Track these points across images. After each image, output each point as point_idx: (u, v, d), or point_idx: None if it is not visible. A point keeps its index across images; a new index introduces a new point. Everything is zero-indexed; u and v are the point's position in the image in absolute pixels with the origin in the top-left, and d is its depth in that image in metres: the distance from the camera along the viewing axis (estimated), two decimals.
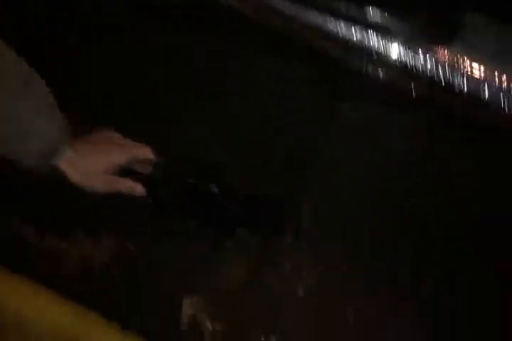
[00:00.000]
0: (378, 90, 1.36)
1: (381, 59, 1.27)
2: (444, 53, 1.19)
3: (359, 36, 1.26)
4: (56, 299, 1.32)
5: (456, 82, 1.13)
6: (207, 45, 1.54)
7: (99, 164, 0.97)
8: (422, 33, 1.28)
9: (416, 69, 1.20)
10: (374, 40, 1.25)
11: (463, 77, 1.13)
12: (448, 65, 1.16)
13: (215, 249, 1.39)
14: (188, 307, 1.39)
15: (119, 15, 1.58)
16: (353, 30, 1.26)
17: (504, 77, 1.12)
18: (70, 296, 1.34)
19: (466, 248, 1.42)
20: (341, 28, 1.25)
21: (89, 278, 1.42)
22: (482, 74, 1.14)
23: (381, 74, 1.24)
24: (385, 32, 1.26)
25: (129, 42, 1.60)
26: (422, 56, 1.20)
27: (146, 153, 1.04)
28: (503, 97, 1.09)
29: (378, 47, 1.25)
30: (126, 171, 1.02)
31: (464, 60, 1.16)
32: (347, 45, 1.28)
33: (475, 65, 1.16)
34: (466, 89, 1.14)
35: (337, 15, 1.28)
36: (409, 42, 1.24)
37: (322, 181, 1.51)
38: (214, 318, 1.40)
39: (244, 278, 1.44)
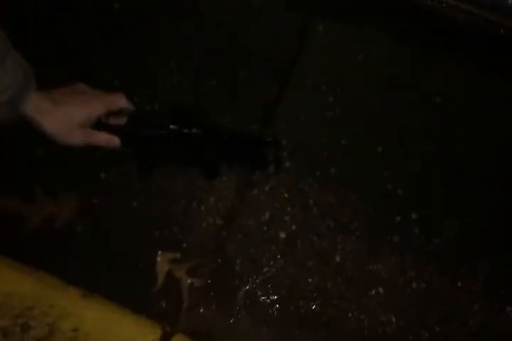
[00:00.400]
0: None
1: None
2: None
3: None
4: (13, 266, 1.17)
5: None
6: None
7: (77, 115, 0.93)
8: None
9: None
10: None
11: None
12: None
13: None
14: (164, 262, 1.27)
15: None
16: None
17: None
18: (29, 261, 1.20)
19: None
20: None
21: (50, 240, 1.27)
22: None
23: None
24: None
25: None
26: None
27: (121, 101, 1.00)
28: None
29: None
30: (100, 125, 0.98)
31: None
32: None
33: None
34: None
35: None
36: None
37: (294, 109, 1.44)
38: (192, 273, 1.29)
39: (220, 222, 1.33)
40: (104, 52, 1.45)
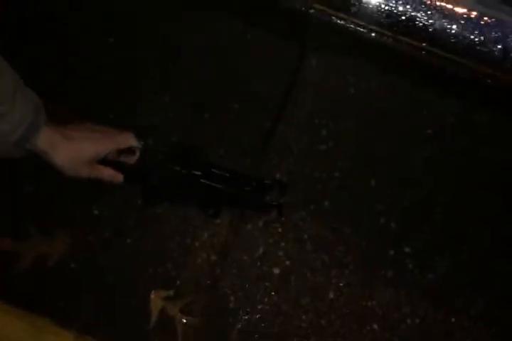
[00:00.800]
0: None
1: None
2: None
3: None
4: (4, 309, 1.15)
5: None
6: None
7: (87, 151, 0.98)
8: None
9: None
10: None
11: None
12: None
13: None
14: (157, 300, 1.26)
15: None
16: None
17: None
18: (21, 301, 1.18)
19: None
20: None
21: (43, 278, 1.26)
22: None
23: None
24: None
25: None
26: None
27: (130, 140, 1.04)
28: None
29: None
30: (107, 161, 1.03)
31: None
32: None
33: None
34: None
35: None
36: None
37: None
38: (186, 310, 1.28)
39: (214, 257, 1.33)
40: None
